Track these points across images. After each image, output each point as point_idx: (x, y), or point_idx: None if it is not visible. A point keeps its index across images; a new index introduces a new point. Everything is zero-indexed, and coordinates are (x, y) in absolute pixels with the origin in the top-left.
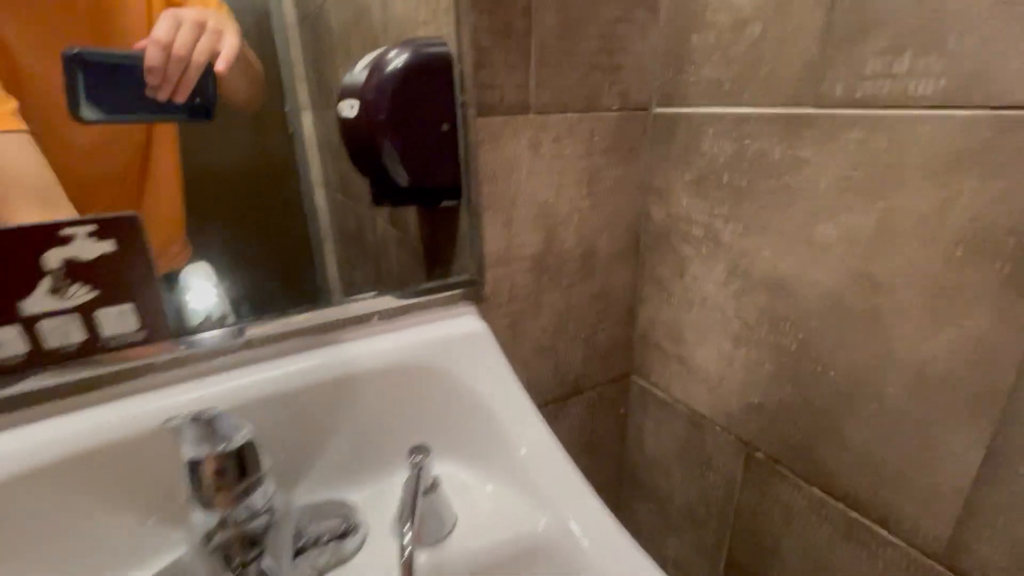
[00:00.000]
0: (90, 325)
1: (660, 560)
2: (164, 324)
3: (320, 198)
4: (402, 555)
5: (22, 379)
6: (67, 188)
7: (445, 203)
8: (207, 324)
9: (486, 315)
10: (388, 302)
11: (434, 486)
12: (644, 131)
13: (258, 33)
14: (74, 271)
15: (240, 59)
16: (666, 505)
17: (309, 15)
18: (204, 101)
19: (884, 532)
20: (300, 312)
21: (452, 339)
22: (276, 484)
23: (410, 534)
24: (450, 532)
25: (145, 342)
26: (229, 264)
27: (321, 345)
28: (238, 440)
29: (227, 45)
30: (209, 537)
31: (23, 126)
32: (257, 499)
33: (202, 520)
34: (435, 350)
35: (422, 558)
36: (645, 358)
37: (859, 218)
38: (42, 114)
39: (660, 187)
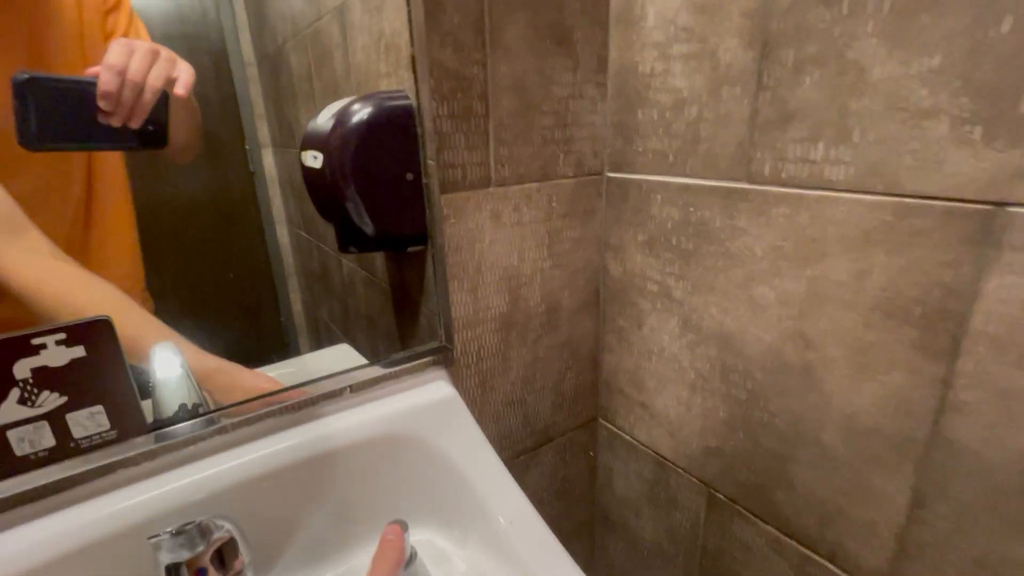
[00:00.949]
0: (60, 429)
1: None
2: (137, 420)
3: (284, 236)
4: None
5: None
6: None
7: (412, 248)
8: (180, 414)
9: (456, 376)
10: (361, 375)
11: (412, 559)
12: (599, 193)
13: (216, 71)
14: (43, 379)
15: (188, 98)
16: (637, 543)
17: (268, 55)
18: (157, 128)
19: (833, 567)
20: (270, 395)
21: (424, 407)
22: (255, 572)
23: None
24: None
25: (117, 440)
26: (189, 308)
27: (295, 424)
28: (216, 540)
29: (183, 71)
30: None
31: None
32: None
33: None
34: (408, 419)
35: None
36: (611, 403)
37: (791, 283)
38: None
39: (616, 245)
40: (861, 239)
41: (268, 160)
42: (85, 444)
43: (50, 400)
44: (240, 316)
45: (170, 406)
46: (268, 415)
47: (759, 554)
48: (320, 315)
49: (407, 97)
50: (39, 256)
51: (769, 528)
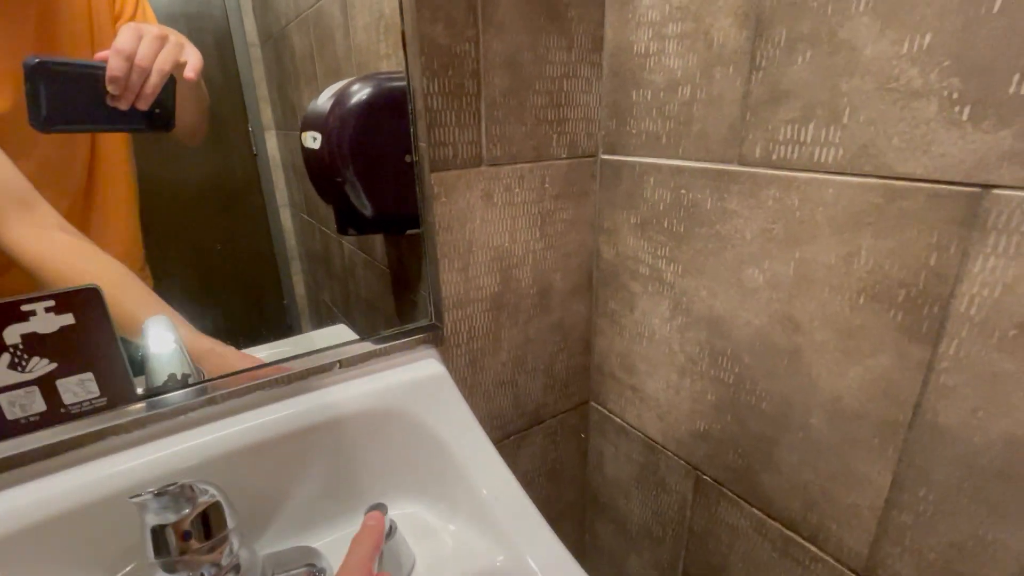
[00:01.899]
0: (51, 395)
1: None
2: (126, 388)
3: (286, 219)
4: None
5: None
6: None
7: (411, 231)
8: (170, 383)
9: (446, 356)
10: (351, 350)
11: (391, 532)
12: (593, 176)
13: (219, 53)
14: (33, 345)
15: (197, 82)
16: (626, 525)
17: (272, 36)
18: (164, 112)
19: (815, 549)
20: (260, 367)
21: (413, 383)
22: (241, 539)
23: None
24: (408, 574)
25: (107, 407)
26: (192, 289)
27: (285, 396)
28: (202, 504)
29: (191, 55)
30: None
31: None
32: (223, 557)
33: None
34: (397, 395)
35: None
36: (602, 386)
37: (780, 266)
38: None
39: (609, 228)
40: (850, 221)
41: (271, 143)
42: (75, 410)
43: (40, 366)
44: (243, 297)
45: (160, 376)
46: (258, 387)
47: (744, 536)
48: (322, 297)
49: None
50: (48, 230)
51: (754, 510)
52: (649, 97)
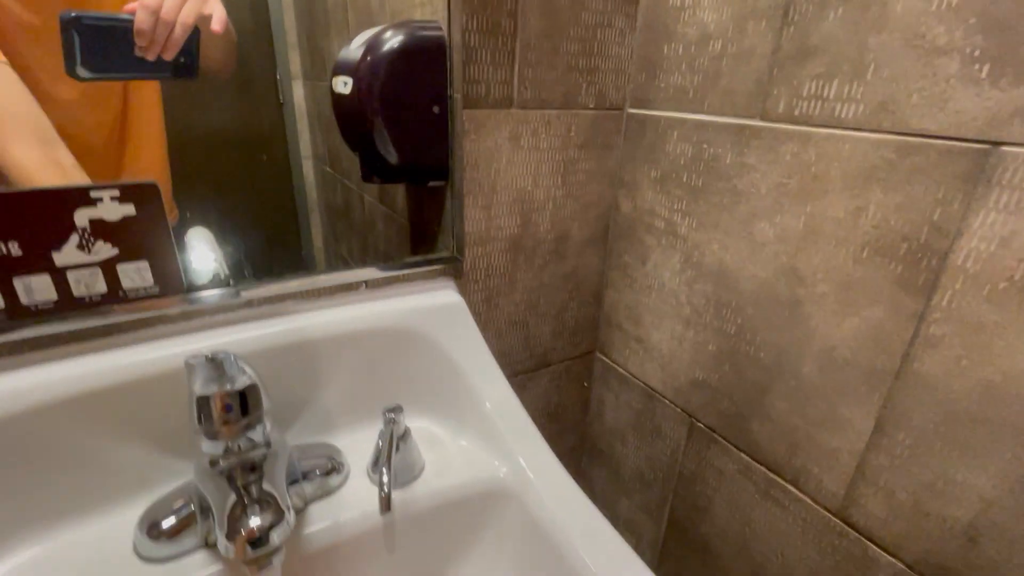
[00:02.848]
0: (111, 278)
1: (613, 520)
2: (177, 280)
3: (308, 169)
4: (381, 490)
5: (50, 322)
6: None
7: (433, 183)
8: (214, 283)
9: (464, 289)
10: (375, 272)
11: (405, 436)
12: (618, 129)
13: None
14: (99, 230)
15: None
16: (620, 470)
17: None
18: (188, 61)
19: (795, 490)
20: (294, 278)
21: (431, 308)
22: (273, 423)
23: (389, 474)
24: (418, 476)
25: (159, 296)
26: (216, 230)
27: (312, 308)
28: (243, 382)
29: (215, 7)
30: (215, 462)
31: (3, 58)
32: (257, 433)
33: (209, 447)
34: (415, 317)
35: (394, 495)
36: (608, 337)
37: (790, 220)
38: (26, 71)
39: (629, 181)
40: (863, 177)
41: (298, 92)
42: (132, 295)
43: (104, 250)
44: (262, 246)
45: (204, 276)
46: (291, 297)
47: (729, 478)
48: (340, 250)
49: (440, 28)
50: (59, 168)
51: (742, 455)
52: (680, 51)
